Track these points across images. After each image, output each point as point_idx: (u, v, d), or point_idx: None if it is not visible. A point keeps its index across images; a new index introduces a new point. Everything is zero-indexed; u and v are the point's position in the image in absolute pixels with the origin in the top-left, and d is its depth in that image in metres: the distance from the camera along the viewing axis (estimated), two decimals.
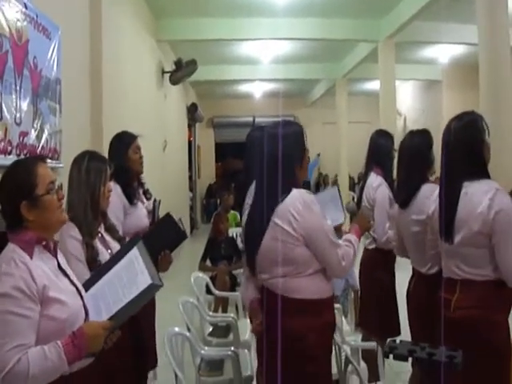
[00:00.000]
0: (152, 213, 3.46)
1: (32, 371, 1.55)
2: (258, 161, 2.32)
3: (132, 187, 3.23)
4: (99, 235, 2.41)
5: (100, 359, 1.81)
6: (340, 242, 2.34)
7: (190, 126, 14.42)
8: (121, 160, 3.14)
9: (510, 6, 5.57)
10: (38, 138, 3.59)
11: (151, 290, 1.76)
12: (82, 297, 1.80)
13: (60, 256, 1.85)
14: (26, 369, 1.54)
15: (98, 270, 2.05)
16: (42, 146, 3.66)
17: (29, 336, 1.59)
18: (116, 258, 1.94)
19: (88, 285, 1.90)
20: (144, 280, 1.75)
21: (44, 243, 1.76)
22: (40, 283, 1.63)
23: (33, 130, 3.50)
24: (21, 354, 1.55)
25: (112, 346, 1.82)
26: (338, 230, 2.73)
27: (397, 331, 3.54)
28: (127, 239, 2.79)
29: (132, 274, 1.81)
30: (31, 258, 1.67)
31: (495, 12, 5.42)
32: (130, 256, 1.87)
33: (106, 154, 3.03)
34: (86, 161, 2.42)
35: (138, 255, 1.85)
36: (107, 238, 2.45)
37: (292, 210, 2.18)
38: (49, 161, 2.93)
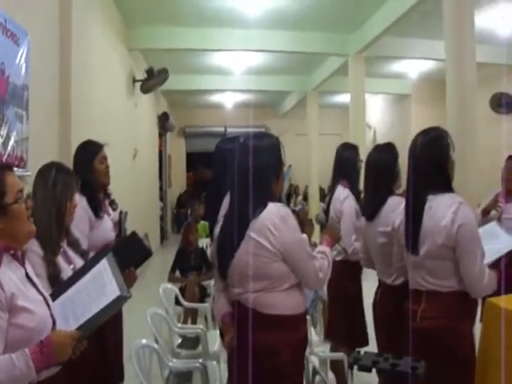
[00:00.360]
0: (118, 225, 3.37)
1: None
2: (232, 173, 2.26)
3: (98, 199, 3.12)
4: (61, 250, 2.34)
5: (67, 370, 1.79)
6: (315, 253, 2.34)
7: (161, 136, 14.34)
8: (86, 171, 3.04)
9: (477, 22, 5.71)
10: (4, 145, 3.52)
11: (119, 301, 1.76)
12: (49, 306, 1.79)
13: (28, 265, 1.83)
14: None
15: (66, 279, 2.03)
16: (9, 154, 3.58)
17: None
18: (85, 269, 1.92)
19: (57, 294, 1.89)
20: (112, 291, 1.75)
21: (12, 252, 1.74)
22: (8, 291, 1.62)
23: None
24: None
25: (78, 359, 1.80)
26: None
27: (364, 342, 3.57)
28: (91, 254, 2.73)
29: (101, 284, 1.80)
30: None
31: (462, 28, 5.54)
32: (99, 267, 1.86)
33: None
34: (52, 173, 2.35)
35: (106, 266, 1.85)
36: (70, 252, 2.38)
37: (269, 224, 2.13)
38: (15, 169, 2.87)
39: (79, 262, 2.35)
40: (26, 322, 1.65)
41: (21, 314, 1.64)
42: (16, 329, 1.62)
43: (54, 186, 2.31)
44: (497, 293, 2.57)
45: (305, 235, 2.34)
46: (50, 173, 2.35)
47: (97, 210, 3.06)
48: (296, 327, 2.22)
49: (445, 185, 2.42)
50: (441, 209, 2.34)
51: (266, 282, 2.16)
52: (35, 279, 1.83)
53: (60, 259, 2.27)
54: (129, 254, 2.76)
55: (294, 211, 2.75)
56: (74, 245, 2.45)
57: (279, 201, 2.30)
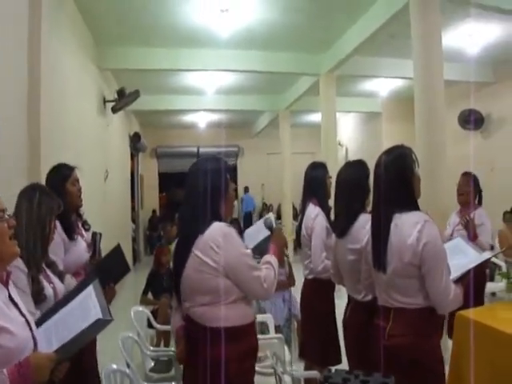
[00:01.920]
0: (92, 246, 3.37)
1: None
2: (185, 194, 2.40)
3: (71, 221, 3.15)
4: (42, 270, 2.42)
5: None
6: (259, 265, 2.39)
7: (133, 156, 14.24)
8: (59, 193, 3.00)
9: (445, 41, 5.84)
10: None
11: (100, 324, 1.78)
12: (31, 328, 1.79)
13: (11, 287, 1.84)
14: None
15: (53, 305, 2.09)
16: None
17: None
18: (72, 295, 1.97)
19: (43, 319, 1.93)
20: (94, 314, 1.78)
21: None
22: None
23: None
24: None
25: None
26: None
27: (338, 360, 3.55)
28: (67, 275, 2.78)
29: (85, 309, 1.85)
30: None
31: (430, 48, 5.66)
32: (85, 293, 1.91)
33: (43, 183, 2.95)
34: (37, 195, 2.44)
35: (92, 292, 1.89)
36: (49, 272, 2.48)
37: (211, 242, 2.24)
38: None
39: (57, 282, 2.47)
40: (5, 342, 1.64)
41: (2, 335, 1.64)
42: None
43: (39, 207, 2.41)
44: (464, 307, 2.60)
45: (249, 251, 2.39)
46: (34, 194, 2.45)
47: (70, 232, 3.09)
48: (242, 338, 2.29)
49: (410, 202, 2.44)
50: (406, 227, 2.36)
51: (211, 296, 2.26)
52: (18, 301, 1.83)
53: (42, 278, 2.36)
54: (110, 268, 2.89)
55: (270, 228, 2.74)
56: (52, 266, 2.55)
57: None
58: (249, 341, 2.34)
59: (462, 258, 2.73)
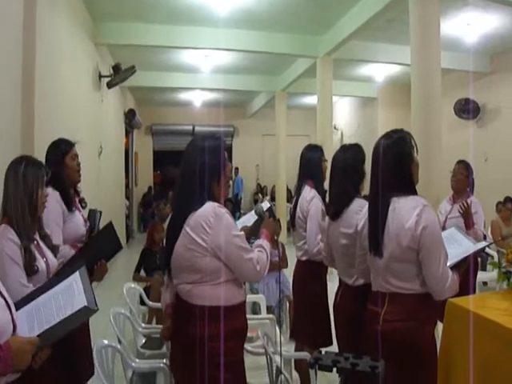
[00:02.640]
0: (90, 222, 3.42)
1: None
2: (180, 171, 2.38)
3: (69, 194, 3.22)
4: (35, 242, 2.46)
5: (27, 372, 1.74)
6: (251, 248, 2.39)
7: (128, 133, 14.16)
8: (58, 168, 3.14)
9: (443, 29, 5.83)
10: None
11: (85, 312, 1.76)
12: (10, 310, 1.74)
13: None
14: None
15: (36, 288, 2.05)
16: None
17: None
18: (57, 280, 1.94)
19: (25, 301, 1.88)
20: (80, 302, 1.76)
21: None
22: None
23: None
24: None
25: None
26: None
27: (329, 341, 3.60)
28: (62, 246, 2.86)
29: (69, 296, 1.82)
30: None
31: (428, 34, 5.65)
32: (71, 279, 1.89)
33: (37, 158, 2.95)
34: (22, 166, 2.46)
35: (78, 279, 1.87)
36: (42, 245, 2.51)
37: (203, 222, 2.22)
38: None
39: (50, 257, 2.51)
40: None
41: None
42: None
43: (25, 178, 2.43)
44: (461, 294, 2.63)
45: (242, 232, 2.39)
46: (20, 165, 2.46)
47: (69, 204, 3.15)
48: (229, 318, 2.27)
49: (408, 187, 2.44)
50: (405, 211, 2.37)
51: (198, 274, 2.25)
52: None
53: (34, 250, 2.39)
54: (102, 245, 2.94)
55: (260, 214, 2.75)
56: (45, 238, 2.58)
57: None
58: (236, 321, 2.32)
59: (456, 247, 2.76)
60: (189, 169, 2.32)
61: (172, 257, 2.33)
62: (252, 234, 2.69)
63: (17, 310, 1.81)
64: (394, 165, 2.44)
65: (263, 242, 2.47)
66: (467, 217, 4.23)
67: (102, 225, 3.46)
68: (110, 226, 2.99)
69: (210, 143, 2.36)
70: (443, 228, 3.95)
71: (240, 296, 2.36)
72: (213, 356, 2.21)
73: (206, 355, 2.20)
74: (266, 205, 2.99)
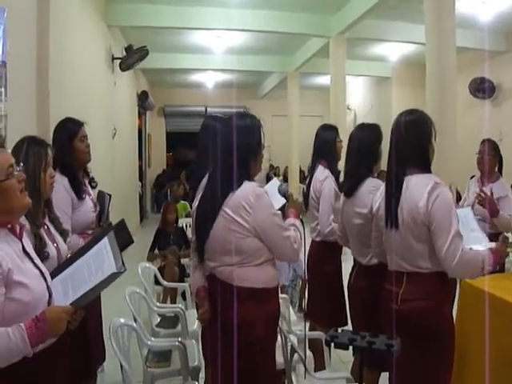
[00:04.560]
0: (99, 206, 3.28)
1: None
2: (213, 151, 2.33)
3: (79, 179, 3.05)
4: (45, 227, 2.35)
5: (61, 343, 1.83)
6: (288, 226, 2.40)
7: (141, 114, 14.18)
8: (66, 150, 2.97)
9: (458, 7, 5.73)
10: None
11: (114, 276, 1.82)
12: (45, 280, 1.82)
13: (25, 239, 1.86)
14: None
15: (69, 257, 2.11)
16: None
17: None
18: (88, 247, 2.00)
19: (60, 270, 1.97)
20: (109, 267, 1.82)
21: (9, 226, 1.77)
22: (5, 266, 1.64)
23: None
24: None
25: (55, 344, 1.81)
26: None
27: (343, 321, 3.62)
28: (71, 235, 2.77)
29: (100, 261, 1.88)
30: None
31: (442, 13, 5.56)
32: (100, 245, 1.94)
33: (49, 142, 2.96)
34: (24, 147, 2.34)
35: (107, 244, 1.92)
36: (52, 229, 2.40)
37: (243, 202, 2.21)
38: None
39: (60, 241, 2.39)
40: (21, 296, 1.67)
41: (17, 289, 1.67)
42: (11, 303, 1.65)
43: (26, 160, 2.27)
44: None
45: (278, 212, 2.37)
46: (21, 147, 2.34)
47: (79, 190, 3.00)
48: (268, 300, 2.30)
49: (423, 165, 2.43)
50: (418, 188, 2.36)
51: (240, 256, 2.24)
52: (32, 253, 1.86)
53: (44, 235, 2.28)
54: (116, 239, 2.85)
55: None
56: (54, 221, 2.46)
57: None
58: (274, 303, 2.35)
59: (469, 235, 2.70)
60: (225, 148, 2.26)
61: (208, 240, 2.30)
62: (283, 215, 2.69)
63: (53, 277, 1.90)
64: (413, 141, 2.43)
65: (294, 221, 2.48)
66: (487, 206, 3.82)
67: (113, 209, 3.43)
68: (122, 222, 2.99)
69: (247, 123, 2.33)
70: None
71: (276, 278, 2.38)
72: (255, 337, 2.23)
73: (248, 337, 2.21)
74: (276, 182, 3.00)
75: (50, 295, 1.82)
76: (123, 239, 2.95)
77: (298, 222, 2.47)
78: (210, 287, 2.38)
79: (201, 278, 2.46)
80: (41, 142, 2.43)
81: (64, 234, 2.51)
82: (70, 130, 3.06)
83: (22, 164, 2.22)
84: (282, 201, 2.73)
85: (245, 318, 2.21)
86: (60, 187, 2.75)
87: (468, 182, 4.73)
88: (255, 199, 2.22)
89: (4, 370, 1.62)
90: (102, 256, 1.89)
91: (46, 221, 2.39)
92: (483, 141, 4.57)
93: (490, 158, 4.40)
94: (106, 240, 1.94)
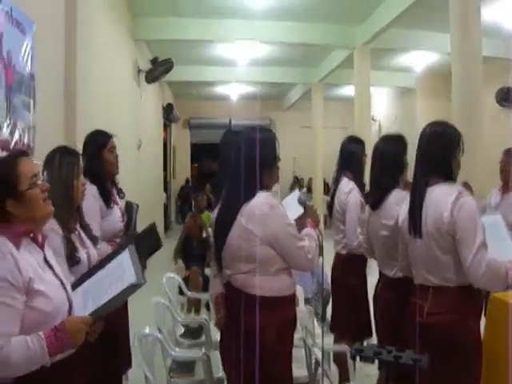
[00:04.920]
0: (127, 215, 3.36)
1: (14, 360, 1.58)
2: (230, 163, 2.40)
3: (107, 189, 3.15)
4: (76, 232, 2.45)
5: (80, 353, 1.83)
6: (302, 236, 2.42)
7: (166, 126, 14.34)
8: (95, 160, 3.08)
9: (483, 16, 5.68)
10: (12, 133, 3.53)
11: (134, 288, 1.83)
12: (66, 290, 1.83)
13: (47, 249, 1.87)
14: (8, 357, 1.57)
15: (90, 268, 2.14)
16: (15, 142, 3.59)
17: (13, 325, 1.62)
18: (108, 259, 2.03)
19: (81, 281, 2.00)
20: (129, 278, 1.84)
21: (32, 235, 1.79)
22: (26, 275, 1.66)
23: (6, 125, 3.44)
24: (3, 342, 1.57)
25: (86, 346, 1.82)
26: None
27: (368, 334, 3.58)
28: (99, 243, 2.82)
29: (120, 273, 1.90)
30: (18, 249, 1.70)
31: (468, 22, 5.51)
32: (121, 257, 1.97)
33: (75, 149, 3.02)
34: (57, 158, 2.44)
35: (127, 256, 1.95)
36: (83, 236, 2.49)
37: (257, 211, 2.27)
38: None
39: (91, 247, 2.49)
40: (42, 305, 1.68)
41: (37, 298, 1.67)
42: (32, 311, 1.66)
43: (60, 170, 2.41)
44: None
45: (292, 222, 2.42)
46: (54, 157, 2.45)
47: (107, 199, 3.10)
48: (281, 308, 2.33)
49: (447, 175, 2.42)
50: (442, 197, 2.34)
51: (254, 264, 2.29)
52: (53, 263, 1.87)
53: (76, 240, 2.39)
54: (145, 243, 2.89)
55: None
56: (86, 228, 2.56)
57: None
58: (288, 312, 2.38)
59: (496, 245, 2.64)
60: (241, 160, 2.33)
61: (224, 247, 2.36)
62: (301, 225, 2.69)
63: (75, 288, 1.92)
64: (435, 153, 2.42)
65: (310, 231, 2.49)
66: None
67: (138, 219, 3.47)
68: (153, 226, 3.02)
69: (262, 135, 2.39)
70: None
71: (291, 287, 2.41)
72: (266, 345, 2.24)
73: (259, 344, 2.23)
74: (296, 193, 2.99)
75: (71, 306, 1.82)
76: (152, 243, 2.99)
77: (313, 232, 2.49)
78: (227, 294, 2.44)
79: (219, 285, 2.52)
80: (73, 152, 2.53)
81: (94, 240, 2.60)
82: (99, 141, 3.17)
83: (45, 173, 2.30)
84: (300, 210, 2.74)
85: (257, 324, 2.23)
86: (89, 195, 2.83)
87: (491, 190, 4.70)
88: (269, 209, 2.28)
89: (21, 379, 1.63)
90: (123, 268, 1.91)
91: (77, 227, 2.48)
92: (506, 150, 4.58)
93: (510, 167, 4.43)
94: (126, 252, 1.97)
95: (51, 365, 1.68)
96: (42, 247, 1.83)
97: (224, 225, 2.37)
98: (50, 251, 1.92)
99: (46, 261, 1.82)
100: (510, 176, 4.42)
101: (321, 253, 4.88)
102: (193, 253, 5.72)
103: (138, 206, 3.51)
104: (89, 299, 1.89)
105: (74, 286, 1.94)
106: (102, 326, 1.88)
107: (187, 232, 5.93)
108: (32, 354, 1.61)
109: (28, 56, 3.83)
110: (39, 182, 1.80)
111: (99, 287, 1.91)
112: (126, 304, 3.15)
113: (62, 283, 1.84)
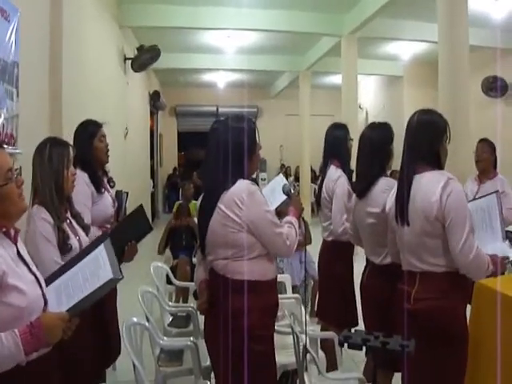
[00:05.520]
0: (117, 203, 3.48)
1: None
2: (211, 151, 2.44)
3: (98, 175, 3.26)
4: (68, 221, 2.49)
5: (59, 349, 1.81)
6: (281, 223, 2.45)
7: (153, 114, 14.24)
8: (86, 149, 3.17)
9: (470, 5, 5.69)
10: None
11: (111, 283, 1.81)
12: (40, 286, 1.78)
13: (20, 244, 1.82)
14: None
15: (64, 263, 2.09)
16: None
17: None
18: (83, 254, 1.99)
19: (53, 278, 1.94)
20: (105, 274, 1.81)
21: (4, 230, 1.74)
22: None
23: None
24: None
25: (73, 337, 1.80)
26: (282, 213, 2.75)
27: (355, 322, 3.61)
28: (92, 228, 2.83)
29: (95, 268, 1.87)
30: None
31: (455, 11, 5.53)
32: (97, 252, 1.93)
33: (65, 139, 3.00)
34: (47, 148, 2.48)
35: (103, 251, 1.91)
36: (74, 224, 2.55)
37: (236, 198, 2.29)
38: (5, 146, 2.86)
39: (82, 235, 2.54)
40: (16, 301, 1.63)
41: (11, 293, 1.62)
42: (6, 307, 1.61)
43: (50, 161, 2.45)
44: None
45: (271, 209, 2.44)
46: (45, 148, 2.48)
47: (98, 185, 3.19)
48: (263, 292, 2.36)
49: (435, 162, 2.45)
50: (430, 185, 2.37)
51: (234, 250, 2.33)
52: (27, 258, 1.82)
53: (67, 228, 2.44)
54: (133, 227, 2.95)
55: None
56: (77, 217, 2.61)
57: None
58: (269, 296, 2.41)
59: (488, 236, 2.67)
60: (221, 149, 2.36)
61: (207, 234, 2.40)
62: (282, 214, 2.72)
63: (47, 285, 1.86)
64: (423, 140, 2.45)
65: (292, 218, 2.53)
66: None
67: (128, 205, 3.51)
68: (140, 208, 3.03)
69: (242, 124, 2.42)
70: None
71: (272, 272, 2.45)
72: (247, 329, 2.27)
73: (241, 328, 2.26)
74: (282, 180, 3.00)
75: (46, 302, 1.78)
76: (141, 227, 2.99)
77: (294, 220, 2.52)
78: (210, 280, 2.47)
79: (203, 272, 2.55)
80: (63, 143, 2.57)
81: (86, 228, 2.67)
82: (90, 130, 3.27)
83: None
84: (282, 198, 2.78)
85: (239, 308, 2.27)
86: (81, 182, 2.92)
87: (467, 180, 4.77)
88: (248, 196, 2.30)
89: None
90: (98, 263, 1.87)
91: (68, 216, 2.53)
92: (480, 140, 4.70)
93: (485, 157, 4.57)
94: (101, 247, 1.94)
95: (27, 363, 1.64)
96: (14, 241, 1.78)
97: (206, 212, 2.40)
98: (23, 246, 1.87)
99: (19, 255, 1.77)
100: (489, 166, 4.52)
101: (309, 241, 4.90)
102: (180, 242, 5.71)
103: (127, 193, 3.60)
104: (62, 295, 1.84)
105: (47, 283, 1.88)
106: (77, 322, 1.82)
107: (170, 230, 5.91)
108: (6, 352, 1.55)
109: (12, 43, 3.77)
110: (14, 177, 1.74)
111: (74, 283, 1.87)
112: (115, 294, 3.21)
113: (37, 279, 1.78)
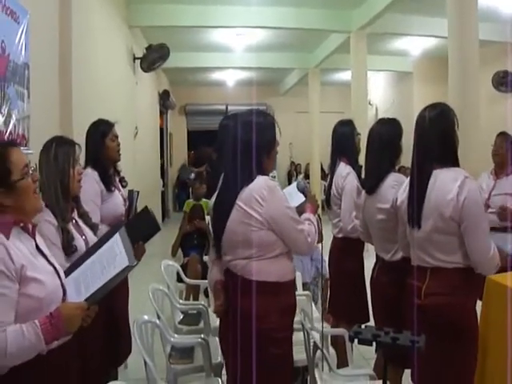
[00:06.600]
0: (128, 202, 3.50)
1: (9, 349, 1.59)
2: (228, 147, 2.37)
3: (109, 174, 3.28)
4: (73, 221, 2.48)
5: (76, 341, 1.86)
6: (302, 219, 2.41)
7: (162, 113, 14.27)
8: (98, 148, 3.21)
9: (479, 0, 5.65)
10: (6, 123, 3.51)
11: (127, 270, 1.86)
12: (59, 276, 1.84)
13: (38, 237, 1.88)
14: (4, 346, 1.58)
15: (82, 253, 2.15)
16: (10, 132, 3.58)
17: (7, 314, 1.62)
18: (99, 244, 2.04)
19: (72, 268, 2.00)
20: (121, 261, 1.86)
21: (22, 225, 1.79)
22: (18, 262, 1.66)
23: (0, 116, 3.43)
24: None
25: (87, 330, 1.85)
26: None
27: (366, 318, 3.61)
28: (100, 226, 2.87)
29: (112, 256, 1.91)
30: (8, 238, 1.70)
31: (465, 6, 5.50)
32: (112, 241, 1.98)
33: (75, 140, 3.03)
34: (53, 147, 2.47)
35: (119, 240, 1.96)
36: (81, 223, 2.53)
37: (256, 195, 2.23)
38: None
39: (89, 234, 2.53)
40: (35, 292, 1.69)
41: (31, 285, 1.68)
42: (26, 299, 1.67)
43: (56, 159, 2.44)
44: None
45: (291, 205, 2.39)
46: (51, 147, 2.48)
47: (108, 184, 3.22)
48: (283, 293, 2.31)
49: (451, 159, 2.43)
50: (446, 183, 2.36)
51: (254, 249, 2.26)
52: (46, 251, 1.88)
53: (72, 229, 2.42)
54: (139, 228, 2.91)
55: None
56: (84, 216, 2.61)
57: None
58: (288, 297, 2.36)
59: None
60: (239, 144, 2.30)
61: (224, 234, 2.33)
62: (301, 211, 2.69)
63: (66, 276, 1.92)
64: (439, 136, 2.43)
65: (310, 215, 2.49)
66: (510, 218, 3.87)
67: (138, 204, 3.53)
68: (145, 209, 3.02)
69: (262, 119, 2.38)
70: (487, 206, 3.83)
71: (292, 273, 2.40)
72: (266, 331, 2.24)
73: (259, 330, 2.22)
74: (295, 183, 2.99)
75: (65, 293, 1.84)
76: (148, 227, 2.98)
77: (313, 217, 2.48)
78: (226, 281, 2.41)
79: (218, 272, 2.48)
80: (68, 141, 2.56)
81: (94, 227, 2.66)
82: (101, 129, 3.30)
83: (34, 166, 2.32)
84: (301, 198, 2.73)
85: (258, 310, 2.22)
86: (90, 180, 2.97)
87: (482, 174, 4.67)
88: (268, 192, 2.24)
89: (17, 368, 1.64)
90: (114, 251, 1.92)
91: (75, 215, 2.53)
92: (499, 133, 4.54)
93: (503, 151, 4.40)
94: (117, 235, 1.98)
95: (47, 352, 1.70)
96: (33, 235, 1.84)
97: (223, 210, 2.33)
98: (42, 240, 1.92)
99: (37, 248, 1.83)
100: (507, 160, 4.41)
101: (320, 239, 4.91)
102: (192, 242, 5.73)
103: (138, 192, 3.62)
104: (81, 286, 1.90)
105: (67, 274, 1.95)
106: (96, 310, 1.88)
107: (184, 235, 5.89)
108: (27, 343, 1.61)
109: (22, 45, 3.80)
110: (30, 172, 1.80)
111: (92, 273, 1.92)
112: (127, 291, 3.26)
113: (56, 270, 1.84)
